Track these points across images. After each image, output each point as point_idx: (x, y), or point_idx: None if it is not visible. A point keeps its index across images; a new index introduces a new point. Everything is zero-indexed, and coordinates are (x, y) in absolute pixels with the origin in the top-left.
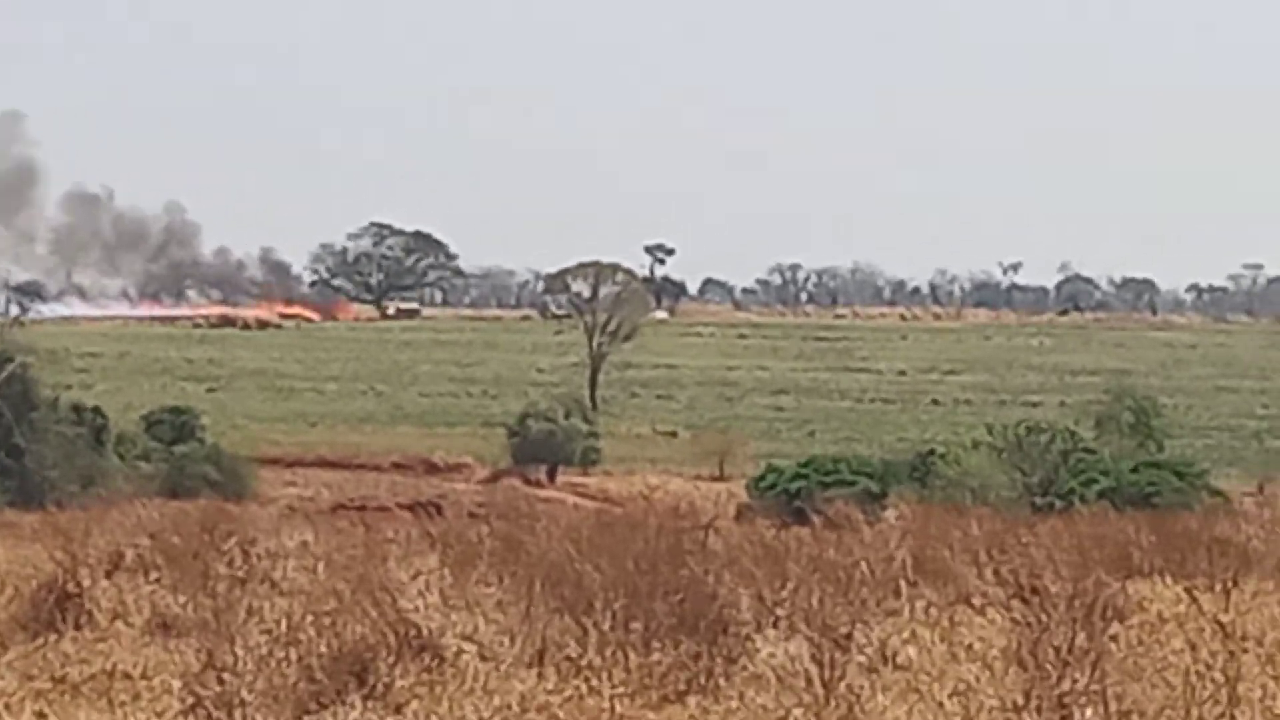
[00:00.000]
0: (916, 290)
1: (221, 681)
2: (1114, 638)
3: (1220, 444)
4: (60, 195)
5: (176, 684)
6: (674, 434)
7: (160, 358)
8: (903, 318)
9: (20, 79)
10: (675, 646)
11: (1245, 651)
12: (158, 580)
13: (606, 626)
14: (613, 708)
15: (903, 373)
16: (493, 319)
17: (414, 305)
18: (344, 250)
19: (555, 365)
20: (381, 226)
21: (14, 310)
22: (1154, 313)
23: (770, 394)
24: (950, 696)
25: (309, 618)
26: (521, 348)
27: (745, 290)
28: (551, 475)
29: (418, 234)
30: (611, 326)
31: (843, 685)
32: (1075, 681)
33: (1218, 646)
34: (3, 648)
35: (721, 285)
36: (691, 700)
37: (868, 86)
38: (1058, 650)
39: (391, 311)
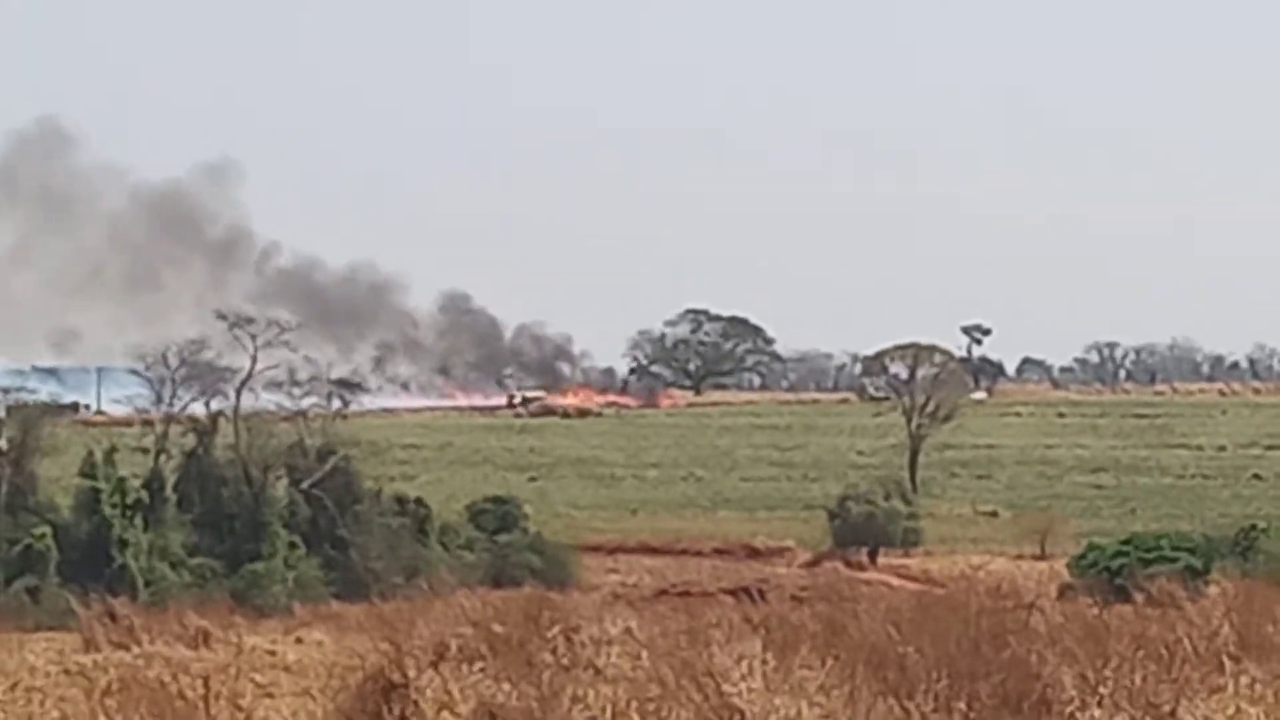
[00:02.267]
0: (1235, 365)
1: None
2: None
3: None
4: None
5: None
6: (994, 513)
7: (481, 447)
8: (1222, 393)
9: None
10: None
11: None
12: (483, 670)
13: (929, 708)
14: None
15: (1223, 448)
16: (810, 402)
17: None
18: (662, 336)
19: (874, 447)
20: (698, 312)
21: (335, 404)
22: None
23: (1090, 472)
24: None
25: (633, 704)
26: (840, 430)
27: (1063, 369)
28: (873, 557)
29: (734, 319)
30: (930, 408)
31: None
32: None
33: None
34: None
35: (1039, 364)
36: None
37: (1177, 166)
38: None
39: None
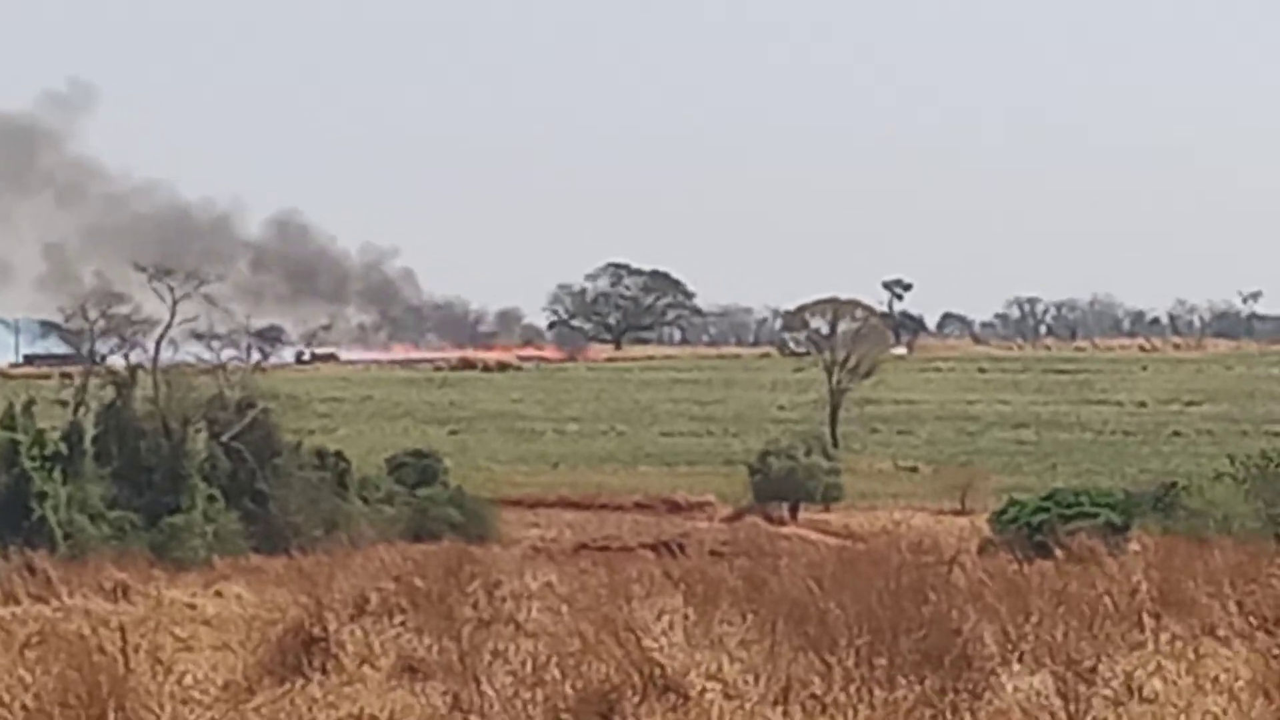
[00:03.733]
0: (1156, 321)
1: None
2: None
3: None
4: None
5: None
6: (915, 469)
7: (402, 401)
8: (1142, 349)
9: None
10: (920, 682)
11: None
12: (403, 623)
13: (851, 663)
14: None
15: (1143, 404)
16: (731, 357)
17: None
18: (583, 290)
19: (795, 402)
20: (619, 266)
21: (255, 356)
22: None
23: (1011, 427)
24: None
25: (554, 659)
26: (761, 385)
27: (984, 324)
28: (793, 512)
29: (655, 273)
30: (851, 363)
31: (1088, 719)
32: None
33: None
34: (250, 693)
35: (960, 319)
36: None
37: (1102, 115)
38: None
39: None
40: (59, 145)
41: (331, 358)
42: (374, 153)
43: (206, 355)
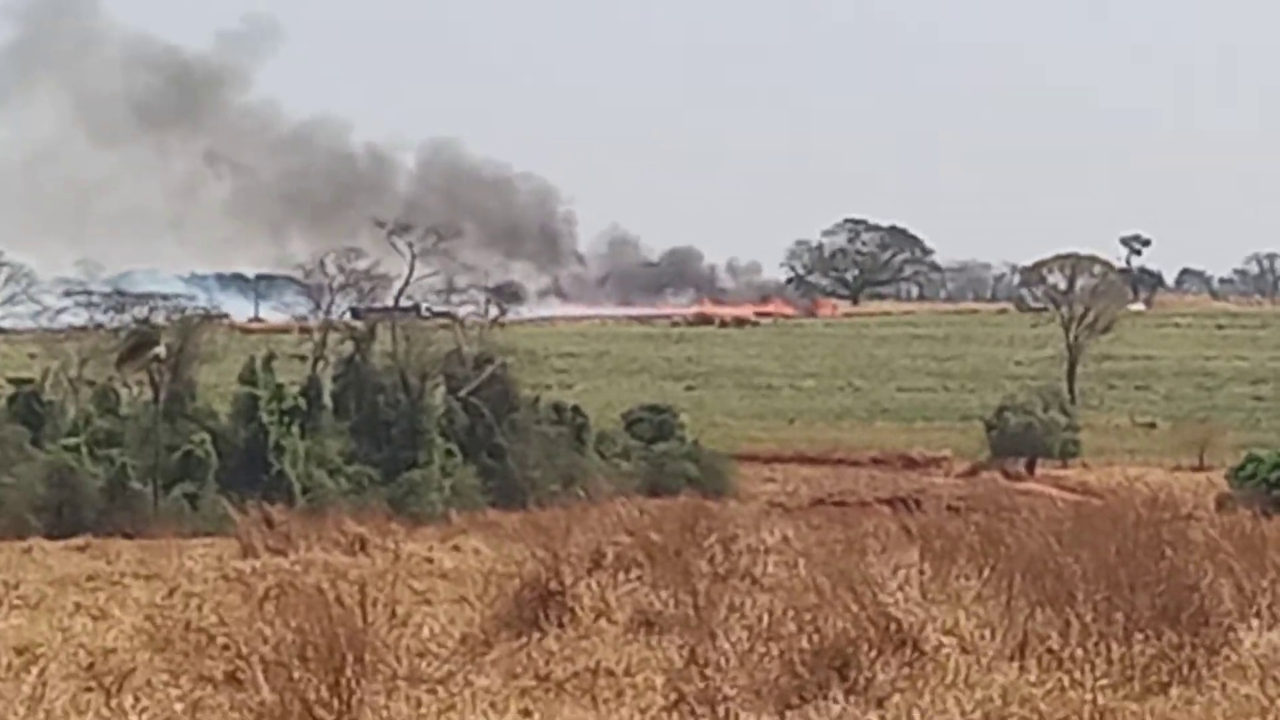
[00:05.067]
0: None
1: (704, 677)
2: None
3: None
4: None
5: (659, 680)
6: (1153, 425)
7: (639, 356)
8: None
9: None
10: (1157, 638)
11: None
12: (639, 578)
13: (1088, 618)
14: (1095, 700)
15: None
16: (969, 313)
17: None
18: (820, 246)
19: (1032, 358)
20: (856, 222)
21: (493, 312)
22: None
23: (1249, 383)
24: None
25: (790, 613)
26: (998, 341)
27: (1223, 280)
28: (1030, 468)
29: (893, 229)
30: (1089, 319)
31: None
32: None
33: None
34: (487, 646)
35: (1199, 275)
36: (1174, 691)
37: None
38: None
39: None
40: (244, 87)
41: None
42: (605, 110)
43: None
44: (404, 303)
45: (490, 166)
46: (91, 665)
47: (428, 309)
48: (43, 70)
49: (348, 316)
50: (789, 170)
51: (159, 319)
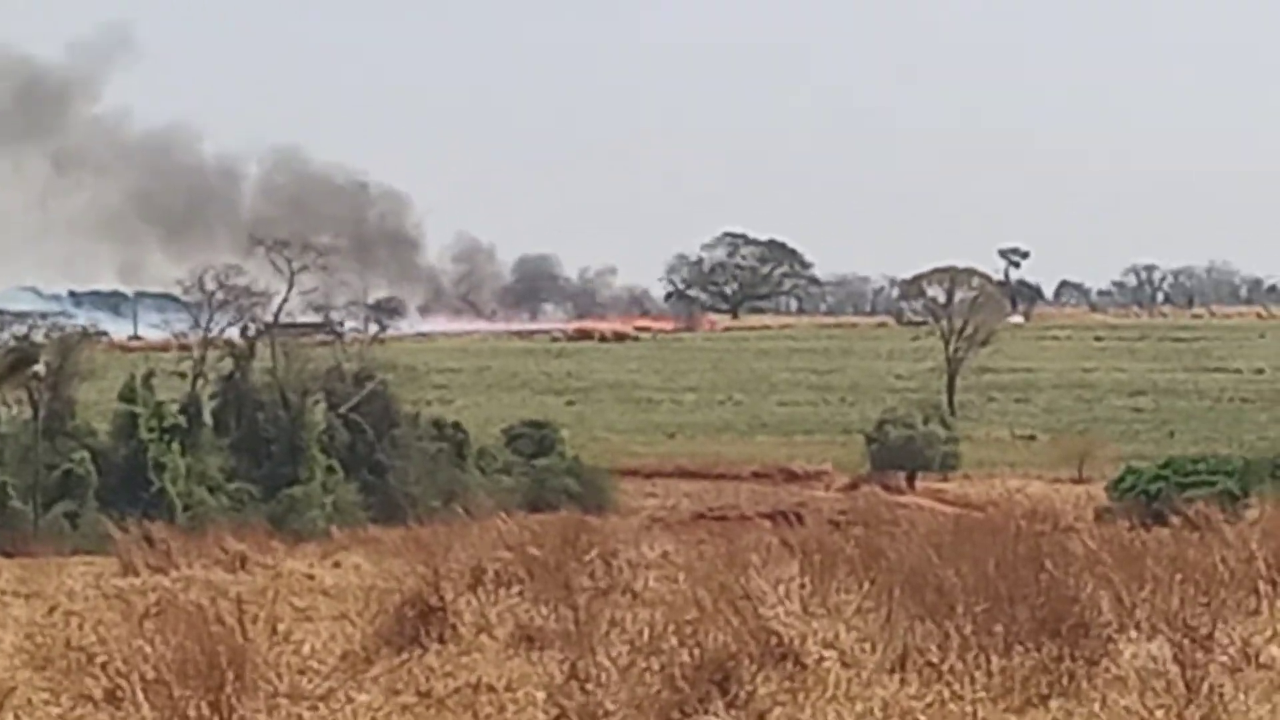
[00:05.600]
0: (1274, 289)
1: (585, 692)
2: None
3: None
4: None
5: (540, 696)
6: (1032, 437)
7: (519, 371)
8: (1260, 316)
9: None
10: (1037, 649)
11: None
12: (520, 593)
13: (968, 630)
14: (975, 712)
15: (1261, 371)
16: (849, 326)
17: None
18: (699, 260)
19: (912, 371)
20: (736, 236)
21: (373, 328)
22: None
23: (1128, 395)
24: None
25: (671, 627)
26: (878, 354)
27: (1101, 292)
28: (911, 481)
29: (772, 243)
30: (968, 331)
31: (1205, 685)
32: None
33: None
34: (368, 662)
35: (1077, 287)
36: (1054, 703)
37: (1219, 83)
38: None
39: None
40: (93, 99)
41: None
42: (474, 126)
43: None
44: (283, 319)
45: (339, 173)
46: None
47: (340, 325)
48: None
49: (237, 335)
50: (667, 182)
51: (38, 337)
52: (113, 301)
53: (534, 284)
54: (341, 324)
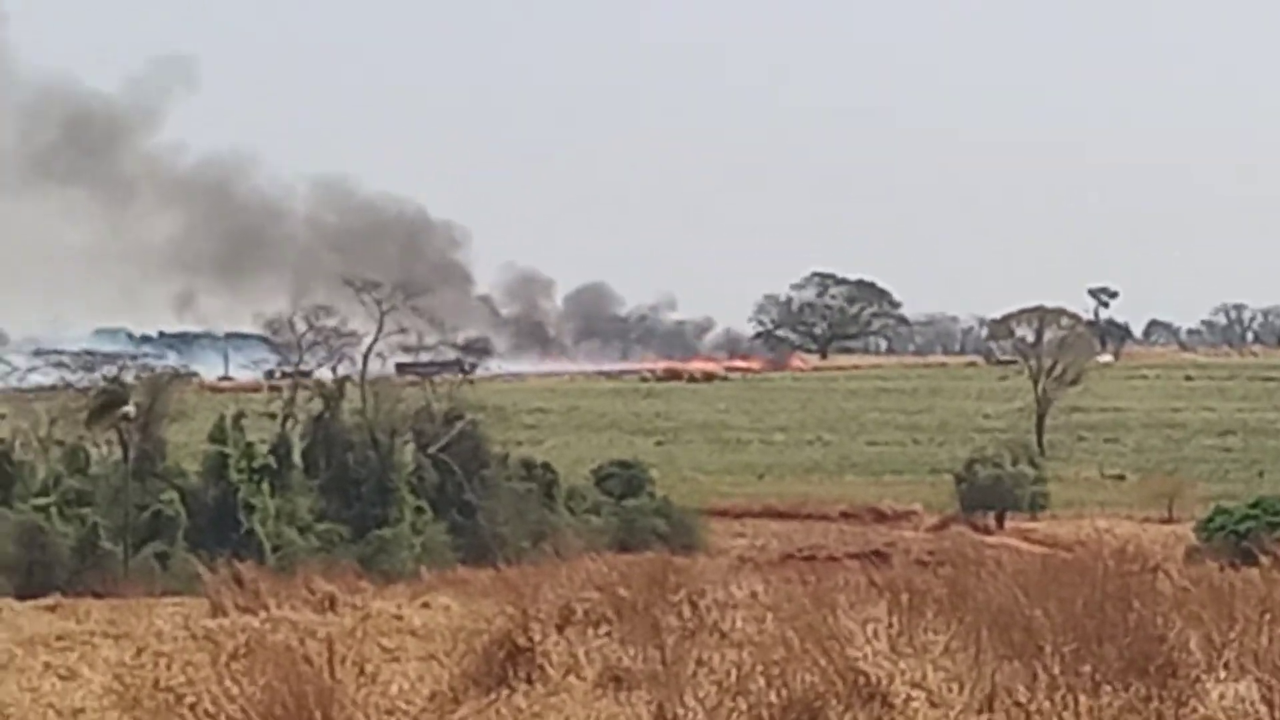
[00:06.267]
0: None
1: None
2: None
3: None
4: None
5: None
6: (1121, 477)
7: (608, 412)
8: None
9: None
10: (1125, 689)
11: None
12: (608, 633)
13: (1056, 670)
14: None
15: None
16: (937, 366)
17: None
18: (788, 300)
19: (1001, 411)
20: (825, 276)
21: (498, 367)
22: None
23: (1217, 435)
24: None
25: (758, 668)
26: (966, 394)
27: (1190, 331)
28: (999, 521)
29: (861, 282)
30: (1057, 371)
31: None
32: None
33: None
34: (456, 703)
35: (1166, 327)
36: None
37: None
38: None
39: None
40: (150, 132)
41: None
42: (571, 170)
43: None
44: (373, 359)
45: (389, 203)
46: None
47: (465, 364)
48: None
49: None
50: (758, 223)
51: (128, 378)
52: (201, 342)
53: (592, 320)
54: (473, 364)
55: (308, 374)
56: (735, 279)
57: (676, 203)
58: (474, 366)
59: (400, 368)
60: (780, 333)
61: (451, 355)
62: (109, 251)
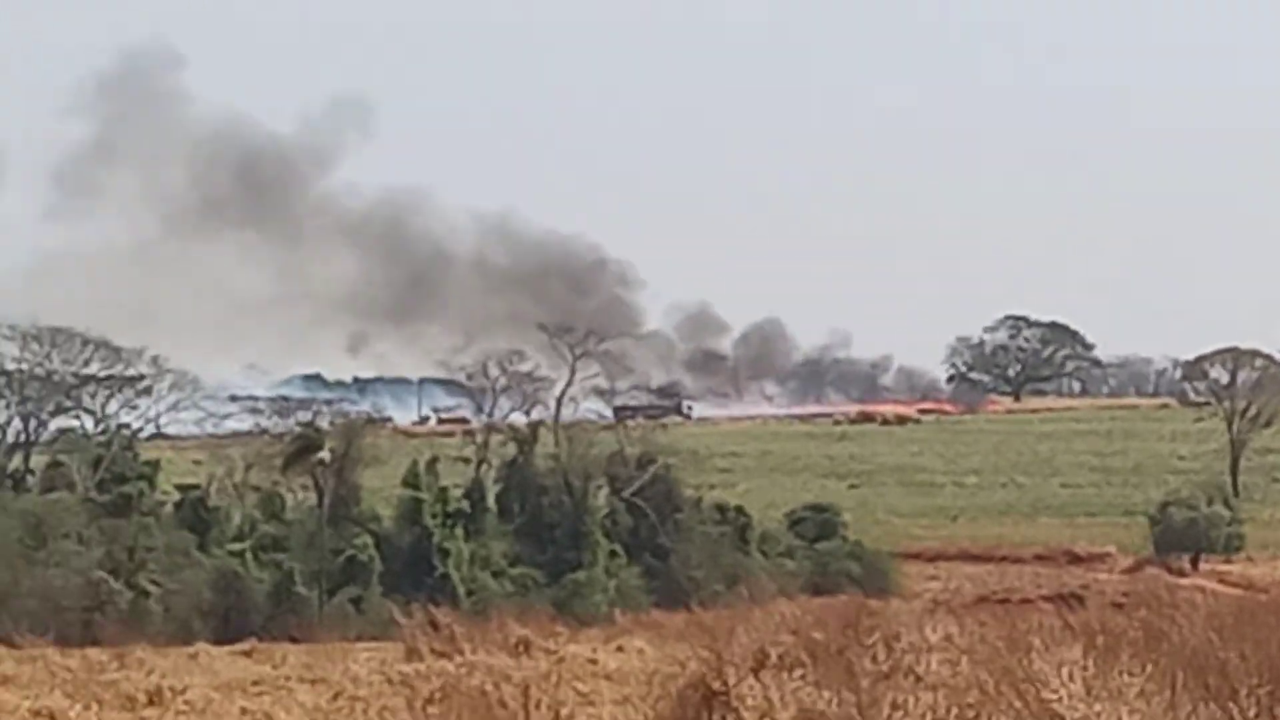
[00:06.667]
0: None
1: None
2: None
3: None
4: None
5: None
6: None
7: (801, 455)
8: None
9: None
10: None
11: None
12: (803, 677)
13: (1251, 713)
14: None
15: None
16: (1131, 407)
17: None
18: (981, 343)
19: (1195, 452)
20: (1017, 318)
21: (698, 412)
22: None
23: None
24: None
25: (953, 710)
26: (1160, 435)
27: None
28: (1195, 563)
29: (1054, 325)
30: (1251, 412)
31: None
32: None
33: None
34: None
35: None
36: None
37: None
38: None
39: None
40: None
41: None
42: (737, 210)
43: (606, 412)
44: (566, 404)
45: (555, 241)
46: None
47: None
48: (118, 164)
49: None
50: (950, 266)
51: (323, 423)
52: (396, 388)
53: (765, 359)
54: (690, 406)
55: (492, 418)
56: (927, 323)
57: (846, 239)
58: (691, 409)
59: (617, 411)
60: (973, 375)
61: (645, 399)
62: (281, 295)
